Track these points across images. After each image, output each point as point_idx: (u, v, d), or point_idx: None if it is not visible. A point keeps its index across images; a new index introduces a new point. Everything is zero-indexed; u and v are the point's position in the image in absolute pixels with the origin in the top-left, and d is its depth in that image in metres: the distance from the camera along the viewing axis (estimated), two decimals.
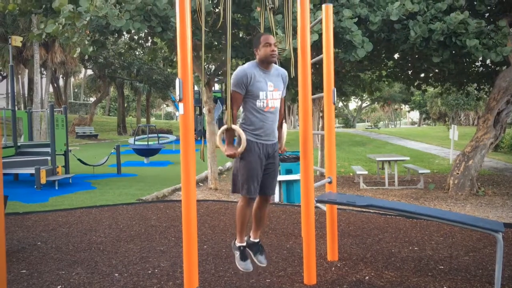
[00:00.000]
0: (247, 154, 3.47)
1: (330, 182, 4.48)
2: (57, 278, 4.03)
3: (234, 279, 3.94)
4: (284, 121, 3.88)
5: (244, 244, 3.71)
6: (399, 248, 4.87)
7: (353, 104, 64.85)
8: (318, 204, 4.53)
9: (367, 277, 3.96)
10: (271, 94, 3.51)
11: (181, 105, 3.03)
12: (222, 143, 3.48)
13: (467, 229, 5.42)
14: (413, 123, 79.79)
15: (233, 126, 3.36)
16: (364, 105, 60.02)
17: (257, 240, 3.79)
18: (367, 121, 78.30)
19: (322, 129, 4.67)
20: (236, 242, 3.73)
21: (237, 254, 3.68)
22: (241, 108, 3.58)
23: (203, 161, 3.80)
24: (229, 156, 3.38)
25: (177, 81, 3.00)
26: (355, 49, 7.60)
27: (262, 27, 3.79)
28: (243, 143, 3.35)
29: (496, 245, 3.40)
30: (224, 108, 3.56)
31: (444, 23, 7.61)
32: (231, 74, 3.45)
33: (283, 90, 3.67)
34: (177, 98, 3.02)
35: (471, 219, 3.93)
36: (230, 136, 3.44)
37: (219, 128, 3.59)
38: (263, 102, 3.47)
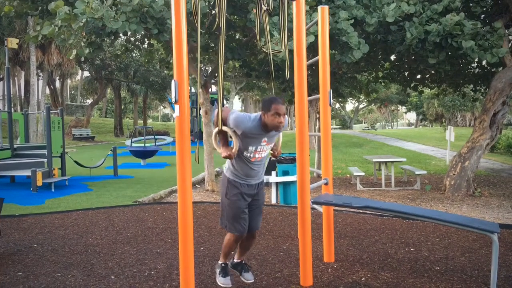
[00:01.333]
0: (232, 193, 3.49)
1: (326, 184, 4.49)
2: (53, 281, 4.01)
3: None
4: None
5: (227, 262, 3.74)
6: (396, 249, 4.88)
7: (350, 105, 64.89)
8: (315, 206, 4.53)
9: (363, 278, 3.96)
10: (261, 148, 3.46)
11: (176, 107, 3.03)
12: (218, 145, 3.49)
13: (463, 230, 5.43)
14: (410, 124, 79.93)
15: (224, 128, 3.36)
16: (361, 106, 60.06)
17: (240, 260, 3.82)
18: (364, 123, 78.38)
19: (319, 130, 4.66)
20: (218, 261, 3.77)
21: (217, 270, 3.71)
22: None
23: (198, 163, 3.80)
24: (225, 157, 3.38)
25: (172, 83, 3.00)
26: (351, 51, 7.62)
27: (258, 29, 3.79)
28: (236, 145, 3.36)
29: (492, 246, 3.41)
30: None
31: (440, 24, 7.63)
32: (224, 73, 3.44)
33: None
34: (173, 100, 3.01)
35: (467, 220, 3.95)
36: (224, 138, 3.44)
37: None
38: (251, 153, 3.44)
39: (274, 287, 3.80)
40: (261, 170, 3.63)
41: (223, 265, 3.70)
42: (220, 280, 3.64)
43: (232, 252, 3.72)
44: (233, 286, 3.63)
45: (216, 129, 3.40)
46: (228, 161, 3.57)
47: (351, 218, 6.48)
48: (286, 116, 3.40)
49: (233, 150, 3.37)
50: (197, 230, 5.77)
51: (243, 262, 3.82)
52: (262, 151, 3.50)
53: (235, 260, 3.82)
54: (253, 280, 3.77)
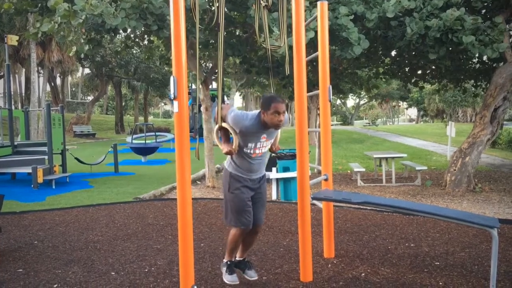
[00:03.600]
0: (235, 187, 3.50)
1: (326, 179, 4.49)
2: (54, 277, 4.03)
3: None
4: None
5: (232, 260, 3.74)
6: (396, 245, 4.88)
7: (351, 101, 64.87)
8: (315, 201, 4.53)
9: (363, 274, 3.97)
10: (261, 144, 3.48)
11: (175, 103, 3.03)
12: (219, 141, 3.50)
13: (463, 225, 5.43)
14: (411, 120, 79.88)
15: (224, 124, 3.37)
16: (362, 102, 60.04)
17: (243, 258, 3.82)
18: (365, 119, 78.32)
19: (320, 126, 4.67)
20: (223, 260, 3.77)
21: (224, 269, 3.70)
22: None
23: (198, 159, 3.80)
24: (226, 153, 3.40)
25: (171, 79, 3.00)
26: (351, 46, 7.60)
27: (257, 25, 3.78)
28: (236, 141, 3.38)
29: (492, 241, 3.41)
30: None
31: (440, 19, 7.61)
32: (224, 70, 3.45)
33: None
34: (172, 96, 3.01)
35: (467, 215, 3.94)
36: (225, 134, 3.45)
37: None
38: (251, 150, 3.46)
39: (274, 283, 3.81)
40: (262, 165, 3.65)
41: (228, 262, 3.70)
42: (227, 278, 3.64)
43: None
44: (240, 283, 3.64)
45: (217, 126, 3.41)
46: (229, 157, 3.58)
47: (351, 213, 6.48)
48: (286, 113, 3.41)
49: (234, 146, 3.39)
50: (198, 227, 5.77)
51: (246, 259, 3.83)
52: (262, 147, 3.52)
53: (237, 258, 3.81)
54: (256, 278, 3.77)
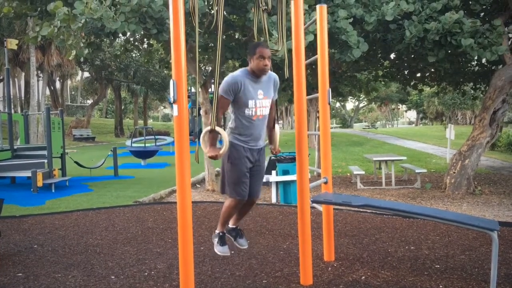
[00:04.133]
0: (234, 157, 3.51)
1: (326, 182, 4.48)
2: (53, 281, 4.02)
3: (230, 281, 3.94)
4: (276, 123, 3.89)
5: (224, 231, 3.79)
6: (396, 248, 4.88)
7: (350, 104, 64.90)
8: (315, 205, 4.53)
9: (363, 277, 3.96)
10: (260, 103, 3.53)
11: (175, 107, 3.03)
12: (205, 144, 3.49)
13: (463, 228, 5.43)
14: (410, 122, 79.90)
15: (217, 128, 3.37)
16: (361, 105, 60.08)
17: (235, 226, 3.87)
18: (365, 121, 78.36)
19: (319, 129, 4.69)
20: (215, 231, 3.82)
21: (215, 240, 3.77)
22: (230, 113, 3.60)
23: (198, 163, 3.80)
24: (211, 157, 3.40)
25: (171, 82, 3.00)
26: (350, 50, 7.62)
27: (255, 28, 3.79)
28: (225, 145, 3.36)
29: (492, 244, 3.40)
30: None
31: (439, 22, 7.63)
32: (222, 77, 3.47)
33: (274, 95, 3.69)
34: (172, 99, 3.02)
35: (467, 218, 3.95)
36: (213, 138, 3.43)
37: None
38: (252, 110, 3.50)
39: (275, 286, 3.80)
40: (262, 131, 3.66)
41: (220, 234, 3.76)
42: (218, 249, 3.71)
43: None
44: (231, 254, 3.68)
45: (208, 128, 3.39)
46: (230, 124, 3.62)
47: (351, 217, 6.48)
48: (270, 59, 3.48)
49: (221, 152, 3.37)
50: (198, 230, 5.77)
51: (238, 228, 3.86)
52: (262, 107, 3.56)
53: (230, 226, 3.87)
54: (247, 247, 3.86)
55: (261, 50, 3.42)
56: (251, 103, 3.49)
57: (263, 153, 3.74)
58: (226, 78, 3.49)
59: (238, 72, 3.52)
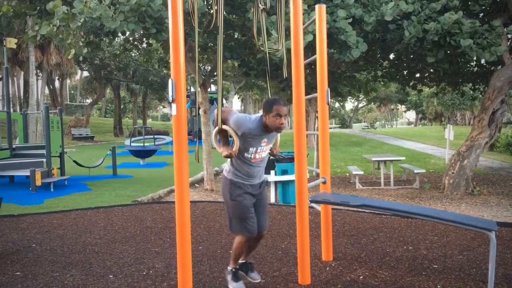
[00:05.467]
0: (236, 194, 3.48)
1: (324, 182, 4.49)
2: (51, 280, 4.02)
3: None
4: None
5: (237, 267, 3.74)
6: (394, 248, 4.88)
7: (349, 104, 64.91)
8: (313, 204, 4.53)
9: (361, 277, 3.96)
10: (261, 149, 3.48)
11: (173, 106, 3.03)
12: (218, 144, 3.49)
13: (461, 228, 5.44)
14: (409, 123, 79.97)
15: (224, 127, 3.36)
16: (360, 105, 60.08)
17: (245, 261, 3.82)
18: (364, 122, 78.39)
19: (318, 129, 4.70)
20: (228, 267, 3.77)
21: (229, 276, 3.70)
22: None
23: (198, 162, 3.80)
24: (226, 156, 3.37)
25: (169, 81, 3.00)
26: (349, 50, 7.62)
27: (255, 28, 3.79)
28: (236, 144, 3.36)
29: (490, 244, 3.41)
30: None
31: (438, 23, 7.63)
32: (223, 73, 3.45)
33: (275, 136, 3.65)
34: (170, 98, 3.02)
35: (465, 218, 3.95)
36: (224, 137, 3.44)
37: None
38: (251, 154, 3.45)
39: (273, 285, 3.80)
40: (262, 170, 3.63)
41: (233, 270, 3.69)
42: (233, 286, 3.63)
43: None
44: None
45: (216, 129, 3.39)
46: (228, 163, 3.56)
47: (349, 217, 6.48)
48: (287, 116, 3.40)
49: (234, 149, 3.36)
50: (196, 229, 5.77)
51: (248, 262, 3.83)
52: (262, 152, 3.51)
53: (240, 261, 3.81)
54: (259, 280, 3.77)
55: (278, 108, 3.30)
56: (251, 150, 3.43)
57: (264, 187, 3.70)
58: (242, 115, 3.40)
59: (254, 118, 3.41)
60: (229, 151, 3.36)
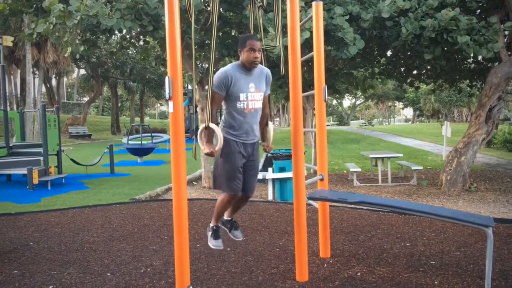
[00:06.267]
0: (227, 152, 3.51)
1: (322, 179, 4.49)
2: (49, 278, 4.01)
3: (226, 277, 3.94)
4: (269, 120, 3.88)
5: (218, 225, 3.80)
6: (391, 244, 4.89)
7: (347, 101, 65.02)
8: (311, 201, 4.54)
9: (359, 273, 3.97)
10: (251, 96, 3.52)
11: (170, 104, 3.03)
12: (202, 141, 3.48)
13: (458, 225, 5.45)
14: (407, 120, 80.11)
15: (211, 125, 3.37)
16: (358, 102, 60.18)
17: (230, 218, 3.89)
18: (361, 119, 78.49)
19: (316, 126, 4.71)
20: (209, 224, 3.84)
21: (209, 233, 3.79)
22: (223, 109, 3.60)
23: (195, 159, 3.80)
24: (207, 154, 3.39)
25: (166, 79, 3.00)
26: (347, 47, 7.62)
27: (251, 25, 3.78)
28: (220, 142, 3.36)
29: (487, 240, 3.42)
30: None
31: (435, 20, 7.64)
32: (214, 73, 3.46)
33: (266, 90, 3.68)
34: (167, 96, 3.01)
35: (462, 214, 3.96)
36: (209, 135, 3.43)
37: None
38: (244, 103, 3.49)
39: (270, 282, 3.81)
40: (255, 125, 3.64)
41: (214, 227, 3.78)
42: (211, 243, 3.74)
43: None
44: (224, 248, 3.70)
45: (203, 125, 3.40)
46: (222, 119, 3.61)
47: (347, 213, 6.49)
48: (261, 52, 3.48)
49: (216, 148, 3.38)
50: (194, 227, 5.77)
51: (233, 220, 3.88)
52: (254, 100, 3.54)
53: (225, 218, 3.89)
54: (242, 238, 3.89)
55: (251, 43, 3.40)
56: (242, 96, 3.47)
57: (257, 148, 3.73)
58: (217, 73, 3.47)
59: (229, 66, 3.51)
60: (211, 148, 3.38)
